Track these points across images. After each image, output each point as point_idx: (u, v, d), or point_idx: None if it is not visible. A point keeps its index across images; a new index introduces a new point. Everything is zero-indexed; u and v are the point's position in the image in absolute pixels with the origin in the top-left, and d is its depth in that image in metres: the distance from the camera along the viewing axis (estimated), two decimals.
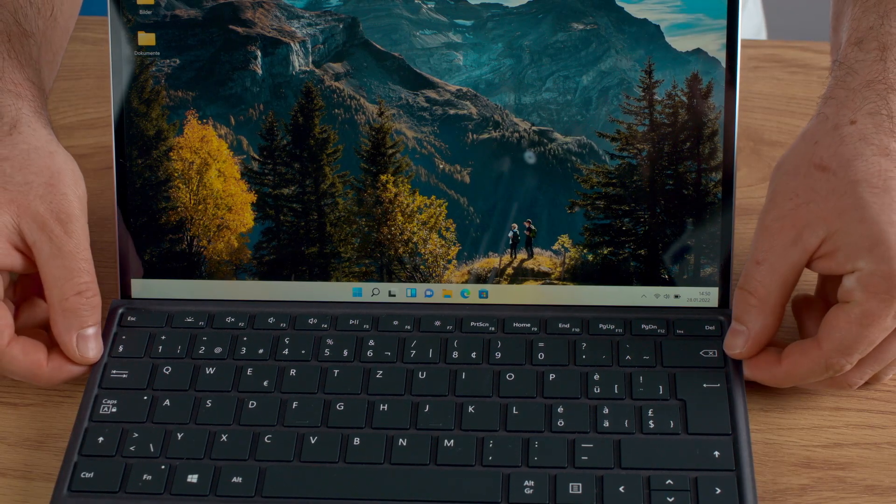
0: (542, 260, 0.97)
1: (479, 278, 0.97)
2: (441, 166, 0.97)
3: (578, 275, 0.96)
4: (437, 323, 0.93)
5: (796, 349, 0.86)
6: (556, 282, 0.96)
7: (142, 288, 0.97)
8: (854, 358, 0.84)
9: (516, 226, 0.96)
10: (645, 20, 0.95)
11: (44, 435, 0.92)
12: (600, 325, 0.93)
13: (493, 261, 0.97)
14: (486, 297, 0.97)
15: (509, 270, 0.97)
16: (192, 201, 0.96)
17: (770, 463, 0.88)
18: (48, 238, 0.87)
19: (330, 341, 0.93)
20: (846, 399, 0.92)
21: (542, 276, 0.96)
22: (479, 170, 0.97)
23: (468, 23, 0.97)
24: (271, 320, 0.94)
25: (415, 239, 0.97)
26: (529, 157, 0.96)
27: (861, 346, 0.83)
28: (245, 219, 0.97)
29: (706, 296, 0.95)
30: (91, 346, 0.90)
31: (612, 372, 0.90)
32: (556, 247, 0.96)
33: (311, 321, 0.94)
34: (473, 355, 0.91)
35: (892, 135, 0.84)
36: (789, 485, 0.87)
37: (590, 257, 0.96)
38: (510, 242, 0.97)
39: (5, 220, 0.87)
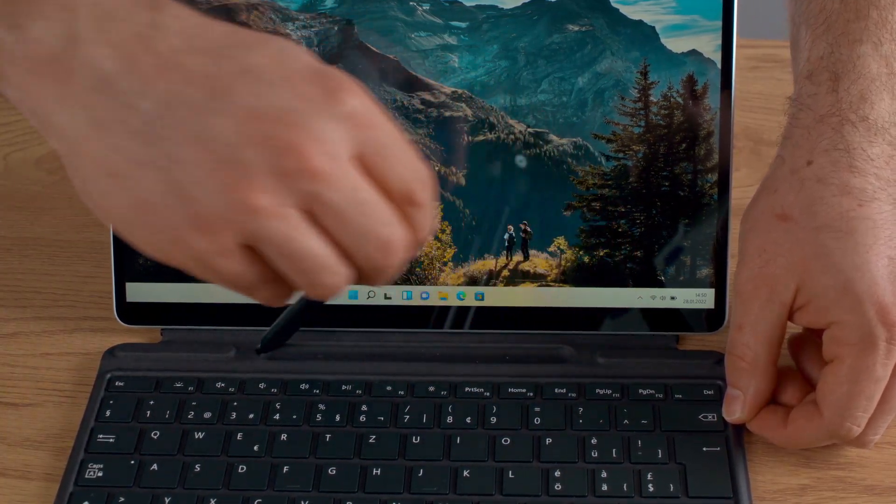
0: (539, 262, 0.96)
1: (475, 281, 0.96)
2: (436, 168, 0.97)
3: (575, 277, 0.96)
4: (432, 388, 0.93)
5: (801, 415, 0.85)
6: (552, 284, 0.96)
7: (136, 291, 0.97)
8: (858, 419, 0.82)
9: (512, 228, 0.96)
10: (640, 21, 0.95)
11: (44, 435, 0.92)
12: (597, 391, 0.92)
13: (489, 263, 0.97)
14: (483, 299, 0.96)
15: (505, 273, 0.97)
16: None
17: (770, 463, 0.88)
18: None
19: (322, 406, 0.92)
20: None
21: (538, 278, 0.96)
22: (475, 172, 0.97)
23: (463, 25, 0.96)
24: (262, 385, 0.93)
25: None
26: (525, 159, 0.96)
27: (859, 403, 0.81)
28: None
29: (702, 297, 0.95)
30: None
31: (609, 436, 0.89)
32: (552, 249, 0.96)
33: (302, 386, 0.93)
34: (468, 420, 0.91)
35: (851, 170, 0.81)
36: (789, 485, 0.87)
37: (586, 259, 0.96)
38: (506, 244, 0.96)
39: None
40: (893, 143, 0.82)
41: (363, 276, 0.67)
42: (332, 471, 0.87)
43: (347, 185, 0.64)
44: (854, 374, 0.80)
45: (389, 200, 0.66)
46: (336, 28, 0.97)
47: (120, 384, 0.94)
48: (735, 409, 0.86)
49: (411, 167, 0.66)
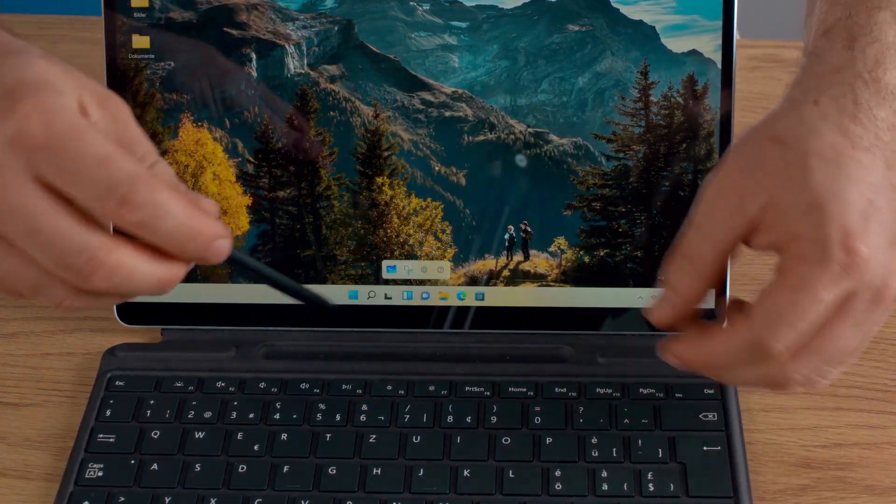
0: (539, 262, 0.96)
1: (476, 280, 0.96)
2: (437, 168, 0.97)
3: (575, 277, 0.96)
4: (432, 388, 0.93)
5: (727, 327, 0.79)
6: (552, 284, 0.96)
7: None
8: (783, 335, 0.76)
9: (512, 228, 0.96)
10: (640, 21, 0.95)
11: (44, 435, 0.92)
12: (597, 390, 0.92)
13: (490, 263, 0.97)
14: (483, 299, 0.96)
15: (506, 273, 0.97)
16: None
17: (770, 463, 0.88)
18: (111, 113, 0.73)
19: (322, 406, 0.92)
20: (846, 399, 0.92)
21: (538, 278, 0.96)
22: (475, 172, 0.97)
23: (463, 25, 0.96)
24: (262, 385, 0.93)
25: (411, 241, 0.97)
26: (525, 159, 0.96)
27: (789, 317, 0.75)
28: (241, 222, 0.97)
29: None
30: (201, 196, 0.74)
31: (609, 435, 0.89)
32: (552, 249, 0.96)
33: (302, 386, 0.93)
34: (468, 419, 0.91)
35: (853, 119, 0.80)
36: (789, 485, 0.87)
37: (586, 259, 0.96)
38: (506, 245, 0.96)
39: (71, 87, 0.72)
40: None
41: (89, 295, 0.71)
42: (332, 470, 0.87)
43: (22, 216, 0.67)
44: (797, 283, 0.75)
45: (89, 218, 0.68)
46: (336, 28, 0.97)
47: (120, 384, 0.94)
48: (665, 311, 0.81)
49: (101, 179, 0.67)
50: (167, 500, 0.86)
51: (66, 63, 0.73)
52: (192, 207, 0.70)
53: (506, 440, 0.89)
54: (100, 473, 0.88)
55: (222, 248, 0.71)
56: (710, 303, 0.93)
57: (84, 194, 0.67)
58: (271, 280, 0.79)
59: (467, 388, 0.93)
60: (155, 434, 0.90)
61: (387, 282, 0.97)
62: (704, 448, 0.87)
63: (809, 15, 0.90)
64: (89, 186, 0.67)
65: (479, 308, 0.97)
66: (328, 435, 0.90)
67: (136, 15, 0.95)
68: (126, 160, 0.68)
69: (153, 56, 0.96)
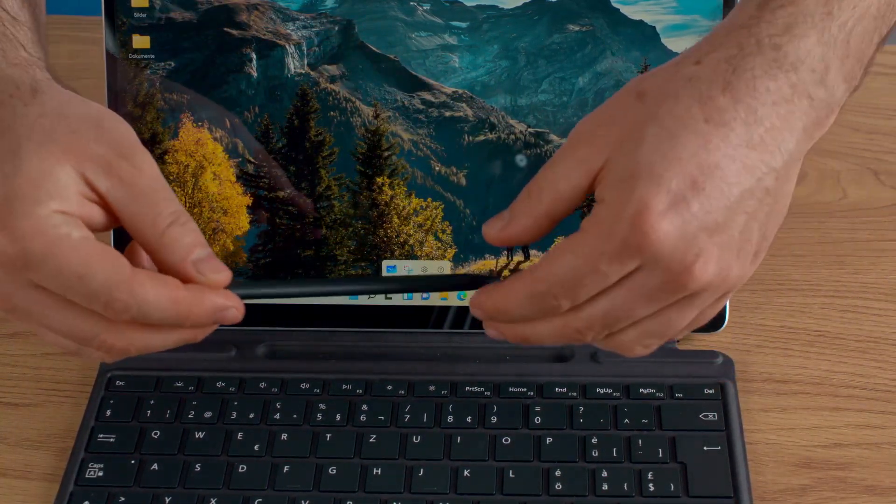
0: None
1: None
2: (437, 168, 0.97)
3: None
4: (432, 388, 0.93)
5: (514, 274, 0.78)
6: None
7: None
8: (559, 291, 0.74)
9: None
10: (641, 21, 0.95)
11: (44, 435, 0.92)
12: (597, 390, 0.92)
13: (490, 263, 0.97)
14: None
15: (506, 273, 0.96)
16: (188, 205, 0.96)
17: (770, 463, 0.88)
18: (119, 179, 0.76)
19: (322, 406, 0.92)
20: (846, 399, 0.92)
21: None
22: (476, 172, 0.97)
23: (463, 25, 0.96)
24: (262, 385, 0.93)
25: (411, 241, 0.97)
26: (525, 159, 0.96)
27: (565, 278, 0.74)
28: (241, 222, 0.97)
29: None
30: (212, 266, 0.77)
31: (610, 435, 0.89)
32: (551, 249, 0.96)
33: (302, 386, 0.93)
34: (469, 419, 0.91)
35: (725, 87, 0.74)
36: (789, 485, 0.87)
37: None
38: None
39: (68, 173, 0.75)
40: (795, 86, 0.76)
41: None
42: (332, 470, 0.87)
43: (33, 314, 0.75)
44: (579, 248, 0.74)
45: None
46: (336, 28, 0.97)
47: (120, 384, 0.94)
48: (494, 227, 0.79)
49: (82, 291, 0.73)
50: (167, 500, 0.86)
51: (73, 106, 0.78)
52: (179, 293, 0.74)
53: (506, 440, 0.89)
54: (100, 473, 0.88)
55: (228, 317, 0.76)
56: None
57: (75, 299, 0.73)
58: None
59: (467, 388, 0.93)
60: (155, 434, 0.90)
61: None
62: (704, 448, 0.87)
63: None
64: (75, 295, 0.73)
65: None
66: (328, 435, 0.90)
67: (136, 15, 0.95)
68: (103, 269, 0.73)
69: (153, 56, 0.96)
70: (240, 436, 0.90)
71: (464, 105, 0.97)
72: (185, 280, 0.76)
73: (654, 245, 0.71)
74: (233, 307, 0.76)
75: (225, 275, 0.76)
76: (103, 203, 0.76)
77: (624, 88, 0.77)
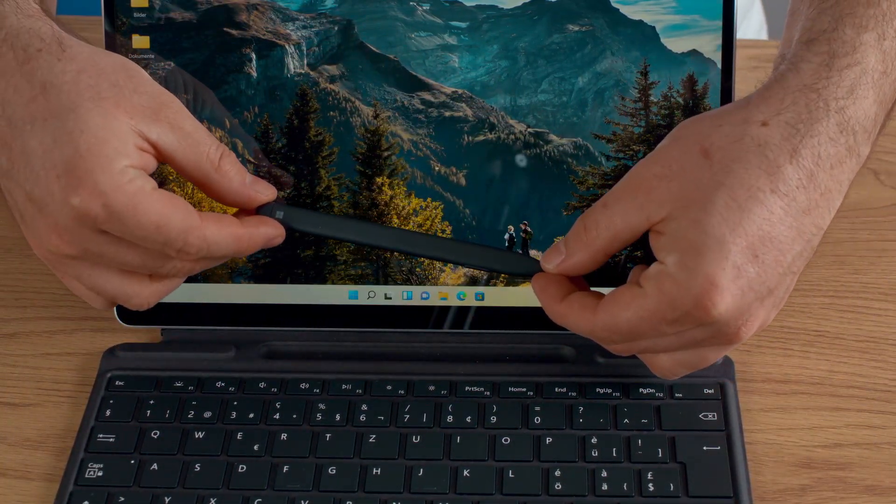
0: None
1: (476, 280, 0.96)
2: (437, 168, 0.97)
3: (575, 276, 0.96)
4: (431, 388, 0.93)
5: (576, 303, 0.83)
6: None
7: None
8: (617, 338, 0.81)
9: (512, 228, 0.96)
10: (640, 21, 0.95)
11: (44, 435, 0.92)
12: (597, 390, 0.92)
13: None
14: (483, 299, 0.96)
15: None
16: None
17: (770, 463, 0.88)
18: (168, 124, 0.81)
19: (321, 406, 0.92)
20: (846, 399, 0.92)
21: None
22: (475, 172, 0.97)
23: (463, 25, 0.96)
24: (262, 385, 0.93)
25: None
26: (525, 159, 0.96)
27: (629, 335, 0.80)
28: None
29: None
30: (263, 185, 0.86)
31: (609, 435, 0.89)
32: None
33: (302, 386, 0.93)
34: (468, 419, 0.91)
35: (792, 155, 0.78)
36: (789, 485, 0.87)
37: None
38: (506, 244, 0.96)
39: (125, 127, 0.79)
40: (851, 148, 0.80)
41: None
42: (331, 470, 0.87)
43: (75, 276, 0.83)
44: (644, 312, 0.79)
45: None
46: (336, 28, 0.97)
47: (120, 384, 0.94)
48: (552, 260, 0.84)
49: (160, 240, 0.79)
50: (167, 500, 0.86)
51: (101, 58, 0.82)
52: (239, 230, 0.83)
53: (506, 440, 0.89)
54: (100, 473, 0.88)
55: (274, 243, 0.86)
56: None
57: (149, 245, 0.80)
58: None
59: (467, 388, 0.93)
60: (155, 434, 0.90)
61: (387, 282, 0.97)
62: (704, 448, 0.87)
63: (794, 13, 0.87)
64: (151, 244, 0.79)
65: (479, 308, 0.97)
66: (328, 435, 0.90)
67: (136, 15, 0.96)
68: (177, 218, 0.79)
69: (153, 56, 0.96)
70: (239, 436, 0.90)
71: (463, 105, 0.97)
72: (245, 202, 0.84)
73: (714, 318, 0.77)
74: (279, 235, 0.86)
75: (273, 191, 0.86)
76: (153, 151, 0.81)
77: (685, 137, 0.80)
